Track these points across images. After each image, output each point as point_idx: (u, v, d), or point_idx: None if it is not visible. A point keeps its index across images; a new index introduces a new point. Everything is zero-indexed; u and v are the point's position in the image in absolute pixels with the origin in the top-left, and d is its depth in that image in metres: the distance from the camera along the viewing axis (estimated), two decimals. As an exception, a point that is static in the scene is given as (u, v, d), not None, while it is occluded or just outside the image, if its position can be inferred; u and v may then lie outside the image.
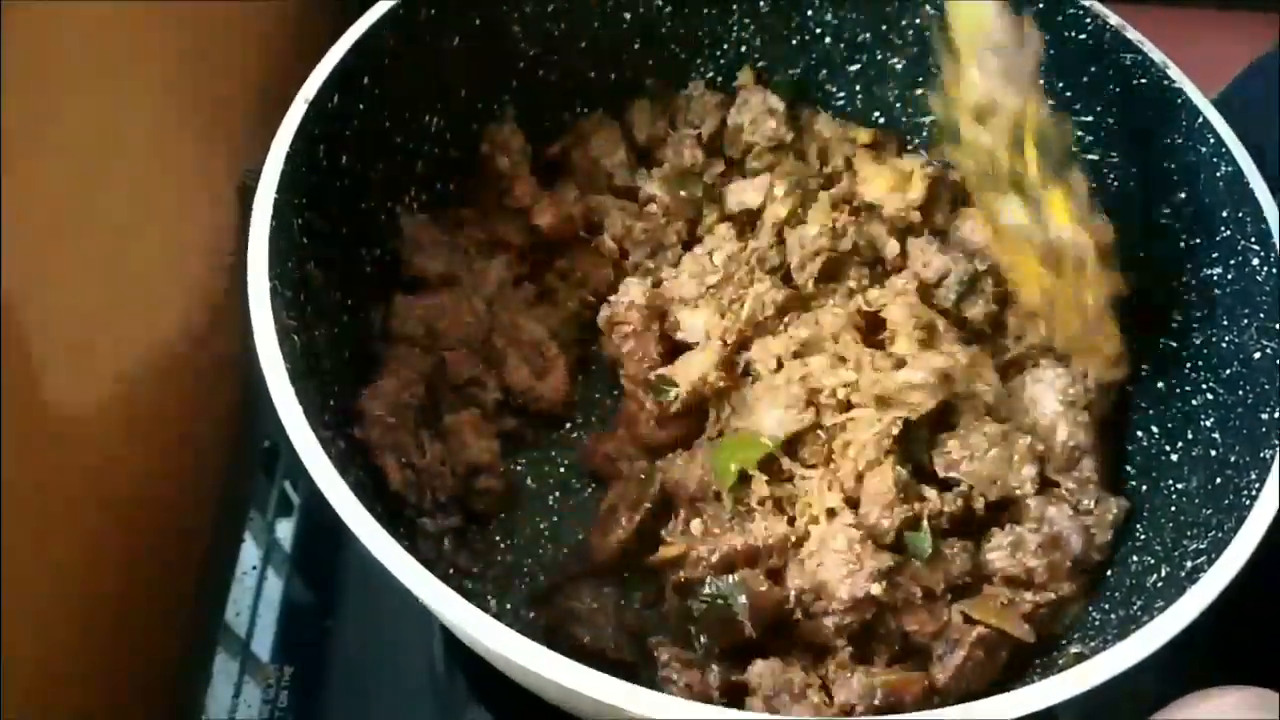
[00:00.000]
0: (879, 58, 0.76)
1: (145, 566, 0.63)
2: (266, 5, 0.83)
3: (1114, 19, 0.65)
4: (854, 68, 0.77)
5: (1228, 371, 0.59)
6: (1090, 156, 0.70)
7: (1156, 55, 0.64)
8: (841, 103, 0.79)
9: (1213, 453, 0.57)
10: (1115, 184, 0.68)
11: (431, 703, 0.61)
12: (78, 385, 0.57)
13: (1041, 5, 0.67)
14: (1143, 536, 0.59)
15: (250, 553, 0.64)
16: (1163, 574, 0.53)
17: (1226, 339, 0.59)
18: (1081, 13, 0.66)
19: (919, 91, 0.76)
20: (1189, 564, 0.50)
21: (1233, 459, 0.55)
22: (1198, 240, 0.63)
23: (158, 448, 0.66)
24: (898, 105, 0.78)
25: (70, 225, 0.56)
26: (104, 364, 0.60)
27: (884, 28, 0.74)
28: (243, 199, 0.78)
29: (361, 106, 0.61)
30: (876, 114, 0.78)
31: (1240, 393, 0.57)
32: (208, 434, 0.70)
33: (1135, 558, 0.58)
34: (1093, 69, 0.67)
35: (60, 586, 0.55)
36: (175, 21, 0.67)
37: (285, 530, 0.66)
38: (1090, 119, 0.69)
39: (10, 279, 0.48)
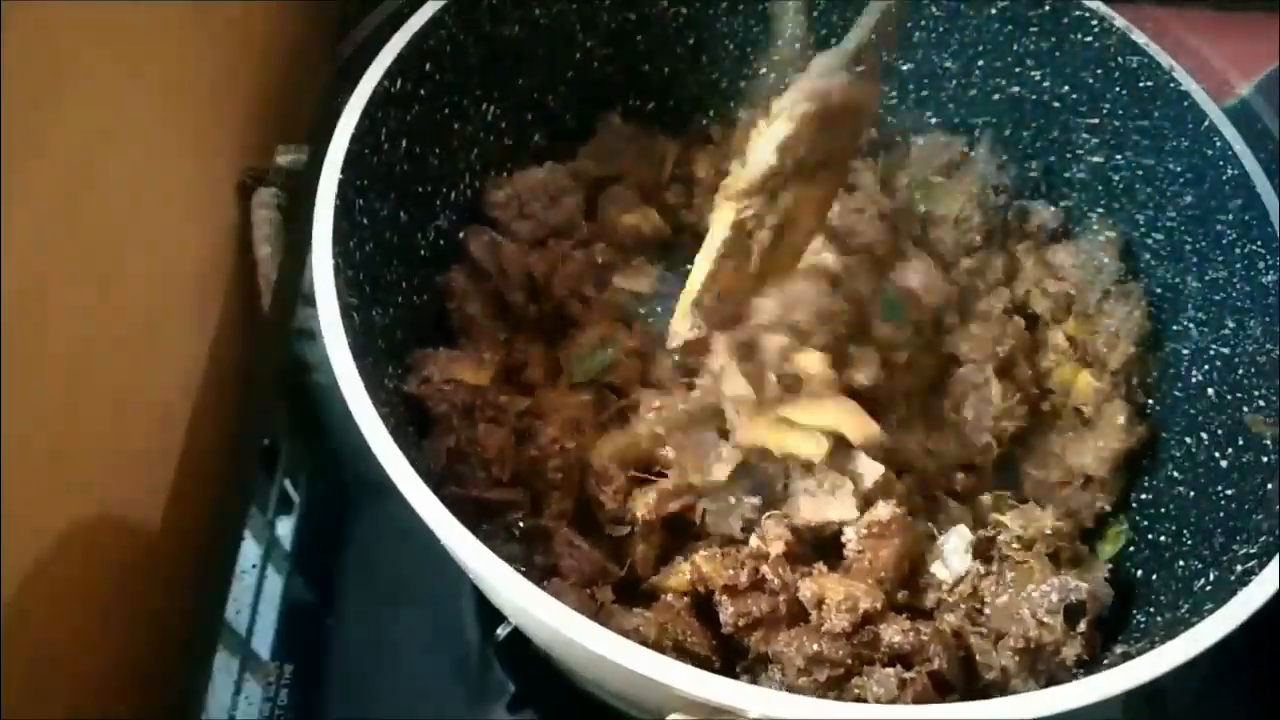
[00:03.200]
0: (884, 59, 0.76)
1: (144, 564, 0.64)
2: (266, 6, 0.84)
3: (1120, 21, 0.66)
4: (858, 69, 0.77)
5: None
6: (1095, 159, 0.71)
7: (1163, 58, 0.65)
8: (894, 100, 0.79)
9: (1264, 459, 0.57)
10: (1121, 186, 0.69)
11: (431, 700, 0.61)
12: (78, 383, 0.57)
13: (1048, 7, 0.68)
14: (1190, 541, 0.59)
15: (250, 551, 0.64)
16: (1211, 578, 0.53)
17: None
18: (1088, 15, 0.67)
19: (924, 93, 0.77)
20: (1239, 568, 0.50)
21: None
22: (1204, 243, 0.64)
23: (158, 445, 0.67)
24: (902, 108, 0.78)
25: (70, 225, 0.56)
26: (103, 365, 0.60)
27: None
28: (243, 198, 0.79)
29: (422, 92, 0.62)
30: (929, 115, 0.79)
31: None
32: (208, 432, 0.71)
33: (1182, 563, 0.58)
34: (1099, 71, 0.68)
35: (59, 585, 0.55)
36: (175, 21, 0.68)
37: (285, 528, 0.66)
38: (1096, 121, 0.70)
39: (10, 279, 0.49)
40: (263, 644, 0.62)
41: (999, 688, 0.55)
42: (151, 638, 0.63)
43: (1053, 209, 0.74)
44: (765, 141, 0.54)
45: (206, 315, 0.74)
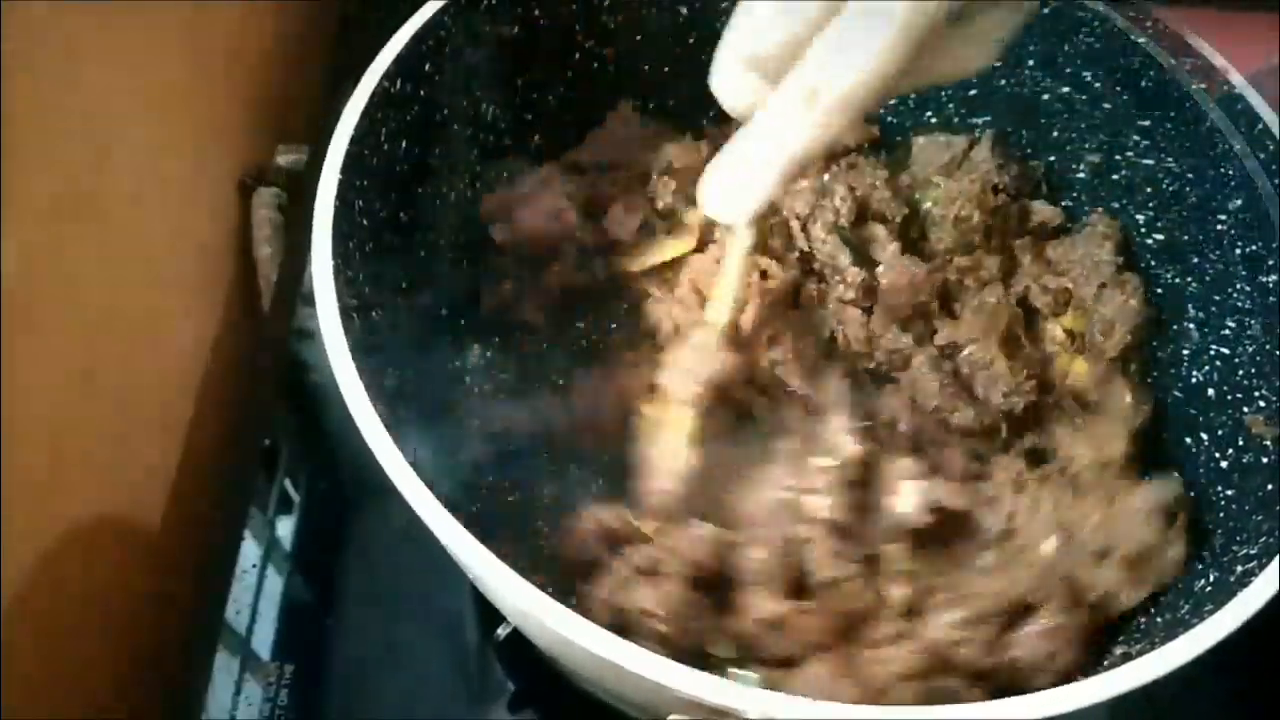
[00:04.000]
0: None
1: (144, 564, 0.65)
2: (266, 6, 0.84)
3: (1121, 21, 0.66)
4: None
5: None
6: (1092, 159, 0.71)
7: (1165, 59, 0.65)
8: (894, 101, 0.80)
9: (1264, 460, 0.57)
10: (1122, 186, 0.70)
11: (431, 700, 0.62)
12: (78, 383, 0.58)
13: (1048, 8, 0.68)
14: (1190, 543, 0.59)
15: (250, 551, 0.65)
16: (1211, 579, 0.54)
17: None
18: (1089, 15, 0.67)
19: (971, 93, 0.78)
20: (1239, 569, 0.50)
21: (1286, 463, 0.55)
22: (1204, 243, 0.64)
23: (158, 445, 0.68)
24: (949, 106, 0.79)
25: (70, 225, 0.57)
26: (103, 364, 0.61)
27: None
28: (243, 198, 0.80)
29: (422, 93, 0.63)
30: (928, 114, 0.80)
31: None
32: (208, 432, 0.72)
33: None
34: (1100, 71, 0.68)
35: (59, 586, 0.56)
36: (175, 21, 0.69)
37: (285, 528, 0.67)
38: (1097, 122, 0.70)
39: (10, 279, 0.50)
40: (263, 644, 0.62)
41: (1108, 605, 0.57)
42: (151, 638, 0.64)
43: (1053, 208, 0.74)
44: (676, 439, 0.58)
45: (206, 315, 0.75)
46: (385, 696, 0.61)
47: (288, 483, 0.69)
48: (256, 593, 0.64)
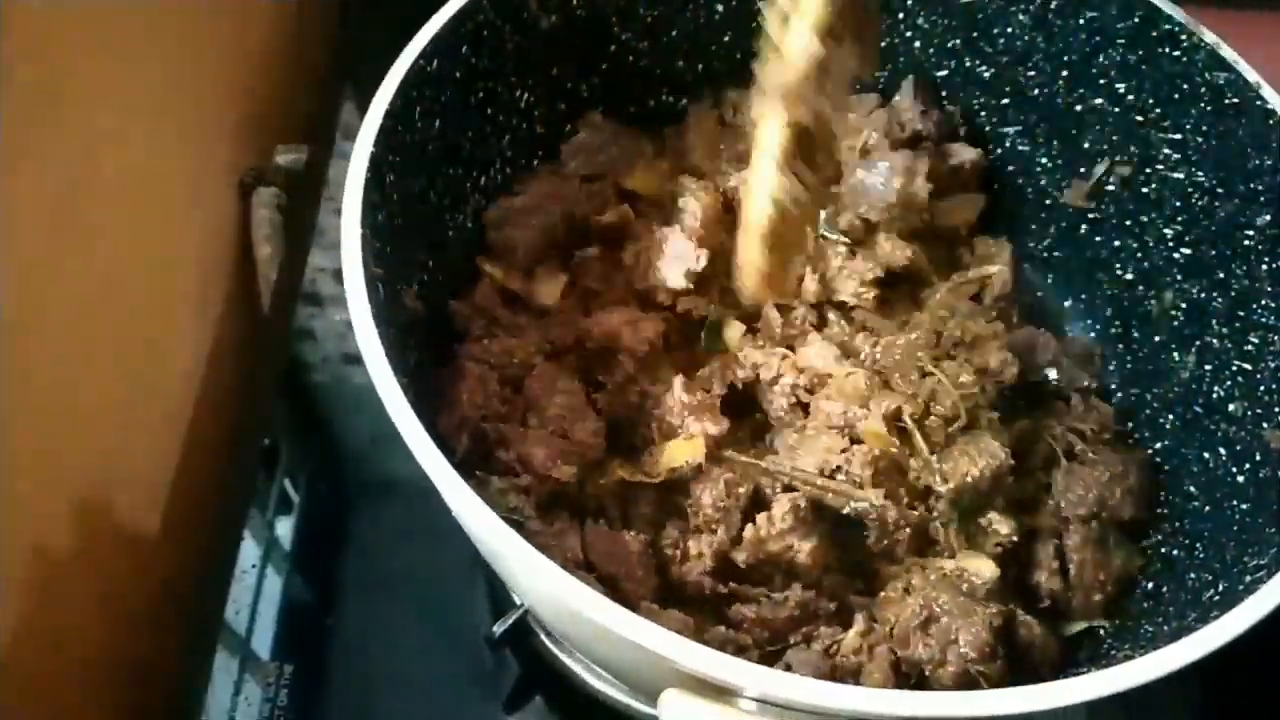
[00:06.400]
0: (967, 65, 0.81)
1: (144, 564, 0.68)
2: (267, 7, 0.88)
3: (1209, 37, 0.68)
4: (941, 74, 0.82)
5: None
6: (1176, 175, 0.73)
7: (1250, 75, 0.67)
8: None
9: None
10: (1200, 203, 0.72)
11: (431, 699, 0.65)
12: (79, 384, 0.61)
13: (1136, 20, 0.72)
14: (1202, 555, 0.63)
15: (250, 551, 0.69)
16: (1220, 589, 0.57)
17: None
18: (1177, 29, 0.70)
19: (1004, 101, 0.81)
20: (1248, 578, 0.53)
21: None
22: (1232, 259, 0.68)
23: (158, 446, 0.71)
24: (981, 114, 0.82)
25: (70, 224, 0.60)
26: (104, 365, 0.64)
27: (975, 35, 0.79)
28: (243, 198, 0.83)
29: (458, 75, 0.66)
30: (959, 122, 0.83)
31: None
32: (208, 432, 0.75)
33: (1193, 575, 0.62)
34: (1184, 86, 0.70)
35: (59, 586, 0.59)
36: (175, 21, 0.72)
37: (285, 528, 0.71)
38: (1179, 137, 0.72)
39: (11, 279, 0.53)
40: (263, 644, 0.66)
41: None
42: (151, 638, 0.67)
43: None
44: (803, 26, 0.51)
45: (206, 315, 0.78)
46: (385, 696, 0.64)
47: (287, 483, 0.73)
48: (256, 593, 0.67)
